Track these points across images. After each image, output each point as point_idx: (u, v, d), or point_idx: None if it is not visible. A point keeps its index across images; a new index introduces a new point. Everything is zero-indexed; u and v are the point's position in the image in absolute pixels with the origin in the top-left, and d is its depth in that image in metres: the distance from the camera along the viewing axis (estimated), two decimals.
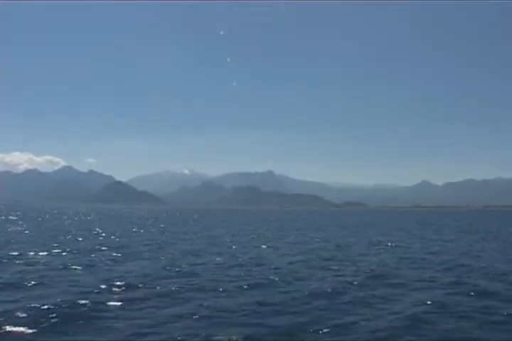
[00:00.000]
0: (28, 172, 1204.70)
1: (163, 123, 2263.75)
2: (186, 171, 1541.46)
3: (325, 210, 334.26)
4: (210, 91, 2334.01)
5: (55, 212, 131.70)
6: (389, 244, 32.66)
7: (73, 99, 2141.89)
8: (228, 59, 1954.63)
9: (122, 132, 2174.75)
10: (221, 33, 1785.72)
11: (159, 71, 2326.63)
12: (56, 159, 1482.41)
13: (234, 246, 29.54)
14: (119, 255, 23.32)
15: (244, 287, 14.99)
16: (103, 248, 26.66)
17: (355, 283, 15.86)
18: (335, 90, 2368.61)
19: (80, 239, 33.84)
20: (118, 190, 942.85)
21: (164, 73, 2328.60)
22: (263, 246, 29.97)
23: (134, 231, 44.48)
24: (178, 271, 18.02)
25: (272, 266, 19.88)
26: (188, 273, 17.51)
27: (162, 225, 60.33)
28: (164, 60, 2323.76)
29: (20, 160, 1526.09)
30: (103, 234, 39.02)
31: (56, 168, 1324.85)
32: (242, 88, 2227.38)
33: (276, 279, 16.45)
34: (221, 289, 14.56)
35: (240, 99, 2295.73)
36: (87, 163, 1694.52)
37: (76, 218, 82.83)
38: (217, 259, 22.18)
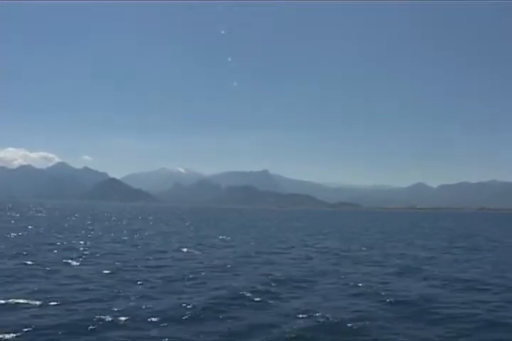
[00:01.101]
0: (22, 168, 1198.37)
1: (160, 121, 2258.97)
2: (182, 170, 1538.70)
3: (318, 210, 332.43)
4: (207, 91, 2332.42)
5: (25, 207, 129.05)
6: (319, 246, 30.11)
7: (70, 96, 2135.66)
8: (229, 59, 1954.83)
9: (119, 130, 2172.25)
10: (222, 32, 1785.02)
11: (157, 70, 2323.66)
12: (50, 155, 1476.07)
13: (139, 249, 27.00)
14: None
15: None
16: None
17: (199, 307, 12.60)
18: (333, 90, 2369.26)
19: None
20: (113, 187, 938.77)
21: (162, 72, 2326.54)
22: (184, 250, 27.44)
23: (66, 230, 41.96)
24: None
25: (143, 277, 17.34)
26: None
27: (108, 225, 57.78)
28: (162, 59, 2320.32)
29: (15, 156, 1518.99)
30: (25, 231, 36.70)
31: (50, 164, 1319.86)
32: (240, 88, 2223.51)
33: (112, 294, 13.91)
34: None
35: (237, 99, 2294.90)
36: (82, 160, 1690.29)
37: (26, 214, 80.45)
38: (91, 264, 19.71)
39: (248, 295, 14.18)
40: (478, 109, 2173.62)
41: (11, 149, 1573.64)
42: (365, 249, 31.97)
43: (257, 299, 13.73)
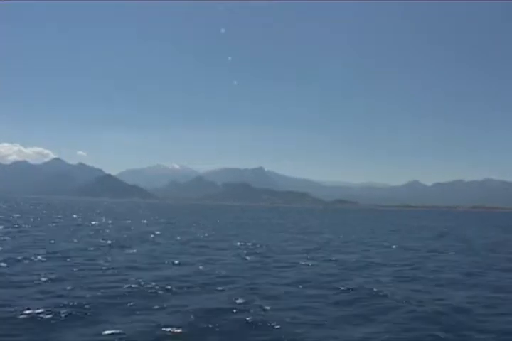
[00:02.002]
0: (16, 163, 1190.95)
1: (156, 117, 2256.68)
2: (177, 166, 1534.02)
3: (311, 208, 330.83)
4: (204, 88, 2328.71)
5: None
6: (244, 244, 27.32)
7: (66, 92, 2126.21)
8: (229, 57, 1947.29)
9: (114, 125, 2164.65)
10: (222, 30, 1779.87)
11: (154, 67, 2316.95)
12: (45, 151, 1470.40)
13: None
14: None
15: None
16: None
17: None
18: (330, 89, 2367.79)
19: None
20: (108, 183, 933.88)
21: (158, 69, 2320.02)
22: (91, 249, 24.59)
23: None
24: None
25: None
26: None
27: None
28: (159, 56, 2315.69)
29: (9, 151, 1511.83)
30: None
31: (45, 159, 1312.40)
32: (238, 85, 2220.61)
33: None
34: None
35: (233, 97, 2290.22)
36: (77, 155, 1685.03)
37: None
38: None
39: (70, 309, 11.42)
40: (473, 108, 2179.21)
41: (5, 144, 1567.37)
42: (312, 250, 29.05)
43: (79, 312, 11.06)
